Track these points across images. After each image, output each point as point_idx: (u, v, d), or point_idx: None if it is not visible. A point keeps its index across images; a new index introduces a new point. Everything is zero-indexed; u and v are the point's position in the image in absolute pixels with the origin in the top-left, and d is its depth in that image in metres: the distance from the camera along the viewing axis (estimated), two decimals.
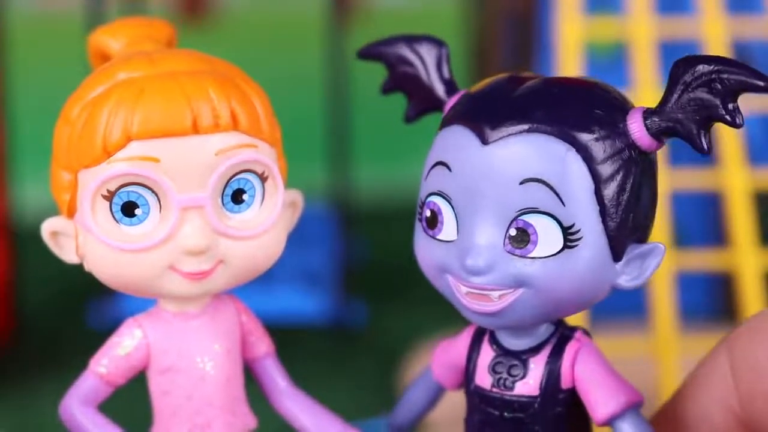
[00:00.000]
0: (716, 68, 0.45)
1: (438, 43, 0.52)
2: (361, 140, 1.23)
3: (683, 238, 1.02)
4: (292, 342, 1.07)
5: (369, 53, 0.53)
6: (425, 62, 0.51)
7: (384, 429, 0.55)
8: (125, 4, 1.18)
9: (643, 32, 0.89)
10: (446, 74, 0.51)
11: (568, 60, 0.89)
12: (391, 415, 0.55)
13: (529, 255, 0.46)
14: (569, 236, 0.46)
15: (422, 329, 1.05)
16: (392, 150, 1.52)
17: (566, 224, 0.46)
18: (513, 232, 0.47)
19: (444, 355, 0.53)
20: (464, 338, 0.52)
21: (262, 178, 0.50)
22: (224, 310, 0.52)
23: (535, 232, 0.46)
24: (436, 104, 0.51)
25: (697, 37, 0.90)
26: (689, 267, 0.86)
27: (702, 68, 0.46)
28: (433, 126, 0.54)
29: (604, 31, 0.91)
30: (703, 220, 1.06)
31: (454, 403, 0.55)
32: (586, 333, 0.50)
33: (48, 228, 0.50)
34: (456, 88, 0.51)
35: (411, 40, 0.52)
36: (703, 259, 0.87)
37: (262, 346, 0.53)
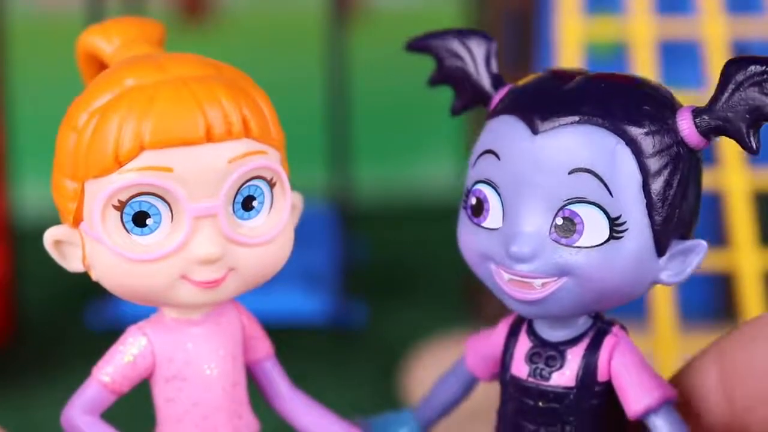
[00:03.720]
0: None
1: (487, 38, 0.52)
2: (361, 140, 1.23)
3: None
4: (292, 342, 1.07)
5: (418, 45, 0.53)
6: (474, 56, 0.52)
7: (410, 421, 0.55)
8: (125, 4, 1.18)
9: (643, 32, 0.89)
10: (494, 69, 0.52)
11: (569, 60, 0.89)
12: (419, 406, 0.55)
13: (575, 244, 0.47)
14: (615, 227, 0.47)
15: (422, 329, 1.05)
16: (392, 150, 1.52)
17: (613, 215, 0.47)
18: (559, 221, 0.47)
19: (479, 345, 0.53)
20: (501, 329, 0.52)
21: (271, 184, 0.50)
22: (226, 314, 0.52)
23: (582, 221, 0.47)
24: (483, 98, 0.52)
25: (697, 37, 0.90)
26: None
27: (754, 68, 0.46)
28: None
29: (604, 31, 0.91)
30: (703, 220, 1.06)
31: (470, 396, 0.55)
32: (623, 328, 0.51)
33: (51, 237, 0.49)
34: (503, 82, 0.51)
35: (462, 33, 0.52)
36: (703, 259, 0.87)
37: (263, 348, 0.53)
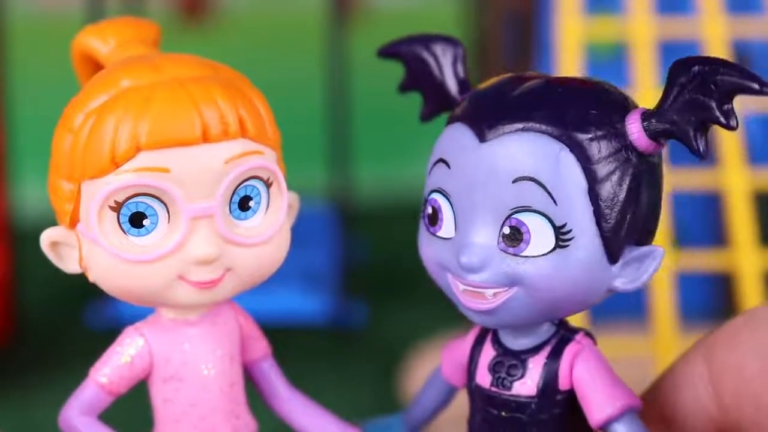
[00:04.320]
0: (710, 69, 0.45)
1: (454, 42, 0.52)
2: (361, 140, 1.23)
3: (683, 238, 1.02)
4: (292, 342, 1.06)
5: (387, 52, 0.53)
6: (440, 62, 0.52)
7: (400, 426, 0.55)
8: (125, 4, 1.18)
9: (643, 32, 0.89)
10: (461, 74, 0.51)
11: (568, 60, 0.89)
12: (406, 411, 0.55)
13: (522, 254, 0.47)
14: (561, 236, 0.46)
15: (422, 329, 1.05)
16: (392, 150, 1.52)
17: (558, 223, 0.46)
18: (507, 230, 0.47)
19: (452, 354, 0.53)
20: (470, 337, 0.52)
21: (267, 184, 0.50)
22: (223, 314, 0.52)
23: (528, 230, 0.46)
24: (451, 103, 0.51)
25: (697, 37, 0.90)
26: (689, 267, 0.86)
27: (697, 69, 0.45)
28: (436, 127, 0.54)
29: (604, 31, 0.91)
30: (703, 220, 1.06)
31: (457, 402, 0.55)
32: (589, 335, 0.50)
33: (47, 238, 0.50)
34: (469, 87, 0.51)
35: (427, 39, 0.52)
36: (703, 259, 0.87)
37: (260, 348, 0.53)
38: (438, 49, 0.52)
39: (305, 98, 1.32)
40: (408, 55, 0.52)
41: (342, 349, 1.08)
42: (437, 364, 0.54)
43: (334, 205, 1.18)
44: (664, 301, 0.82)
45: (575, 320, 0.73)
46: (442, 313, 1.04)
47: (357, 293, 1.13)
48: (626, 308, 0.91)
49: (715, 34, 0.89)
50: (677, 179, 0.87)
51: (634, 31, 0.90)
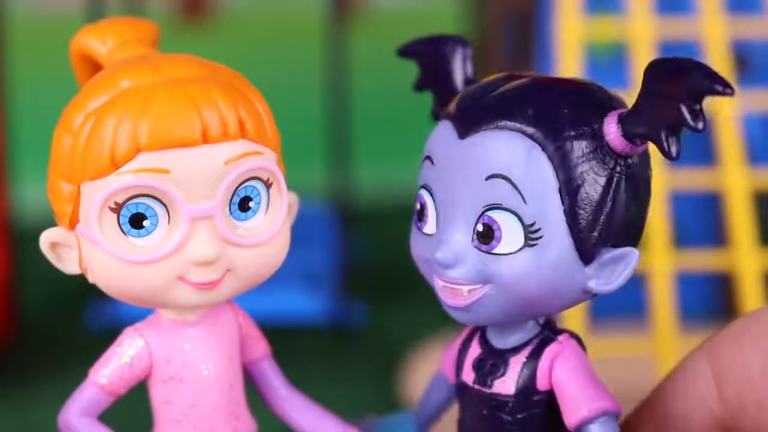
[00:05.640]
0: (680, 71, 0.45)
1: (462, 42, 0.52)
2: (361, 140, 1.23)
3: (683, 238, 1.02)
4: (292, 342, 1.06)
5: (404, 52, 0.53)
6: (450, 61, 0.52)
7: (410, 422, 0.55)
8: (125, 4, 1.18)
9: (643, 32, 0.89)
10: (470, 73, 0.52)
11: (568, 60, 0.89)
12: (415, 409, 0.55)
13: (494, 251, 0.47)
14: (530, 234, 0.46)
15: (422, 329, 1.05)
16: (392, 150, 1.52)
17: (527, 222, 0.46)
18: (480, 227, 0.47)
19: (449, 353, 0.53)
20: (462, 335, 0.52)
21: (267, 185, 0.50)
22: (223, 315, 0.52)
23: (499, 228, 0.47)
24: None
25: (697, 37, 0.90)
26: (689, 267, 0.86)
27: (667, 71, 0.45)
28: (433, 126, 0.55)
29: (604, 31, 0.91)
30: (703, 220, 1.06)
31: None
32: (574, 336, 0.50)
33: (47, 239, 0.49)
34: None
35: (437, 39, 0.52)
36: (703, 259, 0.87)
37: (260, 348, 0.53)
38: (448, 48, 0.52)
39: (305, 98, 1.32)
40: (421, 54, 0.53)
41: (342, 349, 1.08)
42: (439, 364, 0.54)
43: (334, 205, 1.18)
44: (664, 301, 0.82)
45: (575, 320, 0.73)
46: (442, 313, 1.04)
47: (357, 293, 1.13)
48: (626, 308, 0.91)
49: (715, 34, 0.89)
50: (677, 179, 0.87)
51: (634, 31, 0.90)
